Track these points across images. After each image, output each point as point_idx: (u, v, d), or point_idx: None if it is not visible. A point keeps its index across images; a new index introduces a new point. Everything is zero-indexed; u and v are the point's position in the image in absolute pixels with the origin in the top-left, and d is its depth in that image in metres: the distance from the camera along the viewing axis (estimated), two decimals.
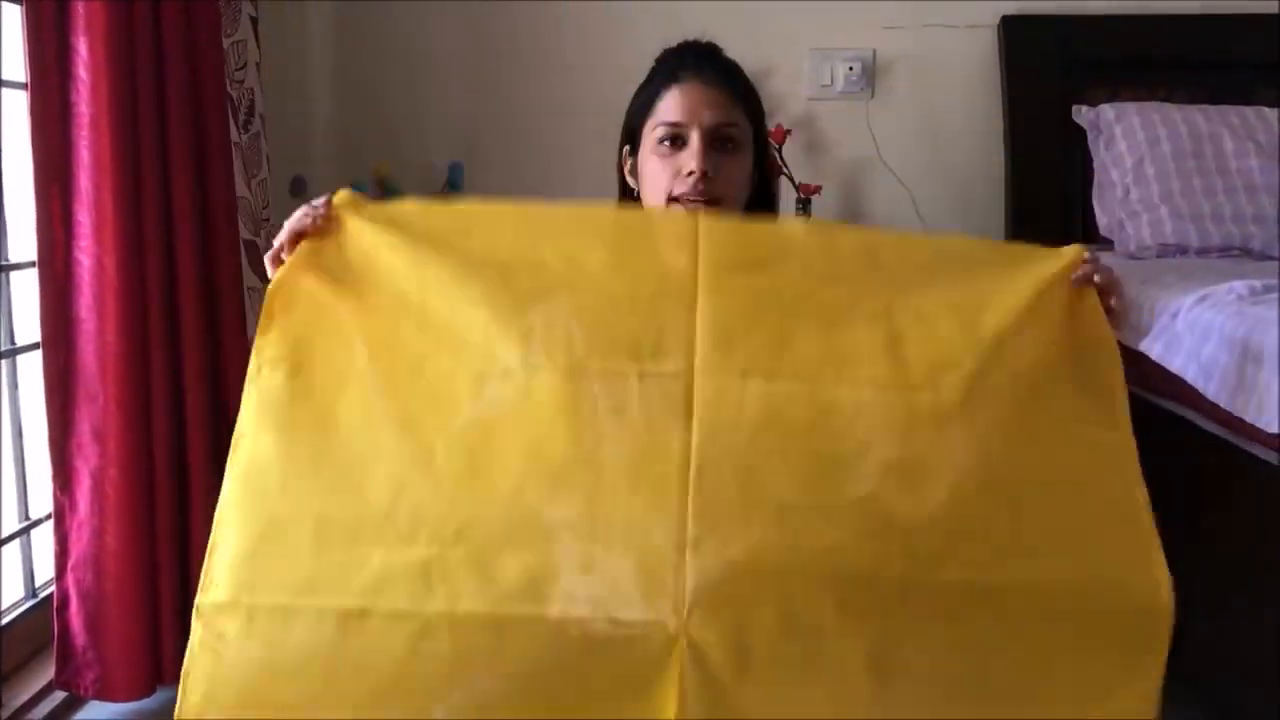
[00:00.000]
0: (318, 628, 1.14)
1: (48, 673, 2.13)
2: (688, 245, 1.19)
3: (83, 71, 1.98)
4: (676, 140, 1.43)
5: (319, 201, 1.29)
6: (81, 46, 1.98)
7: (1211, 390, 1.83)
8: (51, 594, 2.11)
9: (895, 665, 1.09)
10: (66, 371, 2.04)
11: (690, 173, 1.41)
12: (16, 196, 2.13)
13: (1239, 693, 1.84)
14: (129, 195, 2.04)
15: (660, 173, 1.44)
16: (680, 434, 1.12)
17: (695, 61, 1.47)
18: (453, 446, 1.16)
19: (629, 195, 1.53)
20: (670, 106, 1.45)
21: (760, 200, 1.51)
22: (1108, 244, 2.77)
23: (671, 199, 1.43)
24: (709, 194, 1.42)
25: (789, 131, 2.92)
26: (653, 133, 1.46)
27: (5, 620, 2.17)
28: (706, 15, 3.13)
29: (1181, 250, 2.61)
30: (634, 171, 1.51)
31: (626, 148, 1.54)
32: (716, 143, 1.43)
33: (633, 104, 1.53)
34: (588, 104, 3.05)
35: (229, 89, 2.30)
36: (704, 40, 1.55)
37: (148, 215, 2.09)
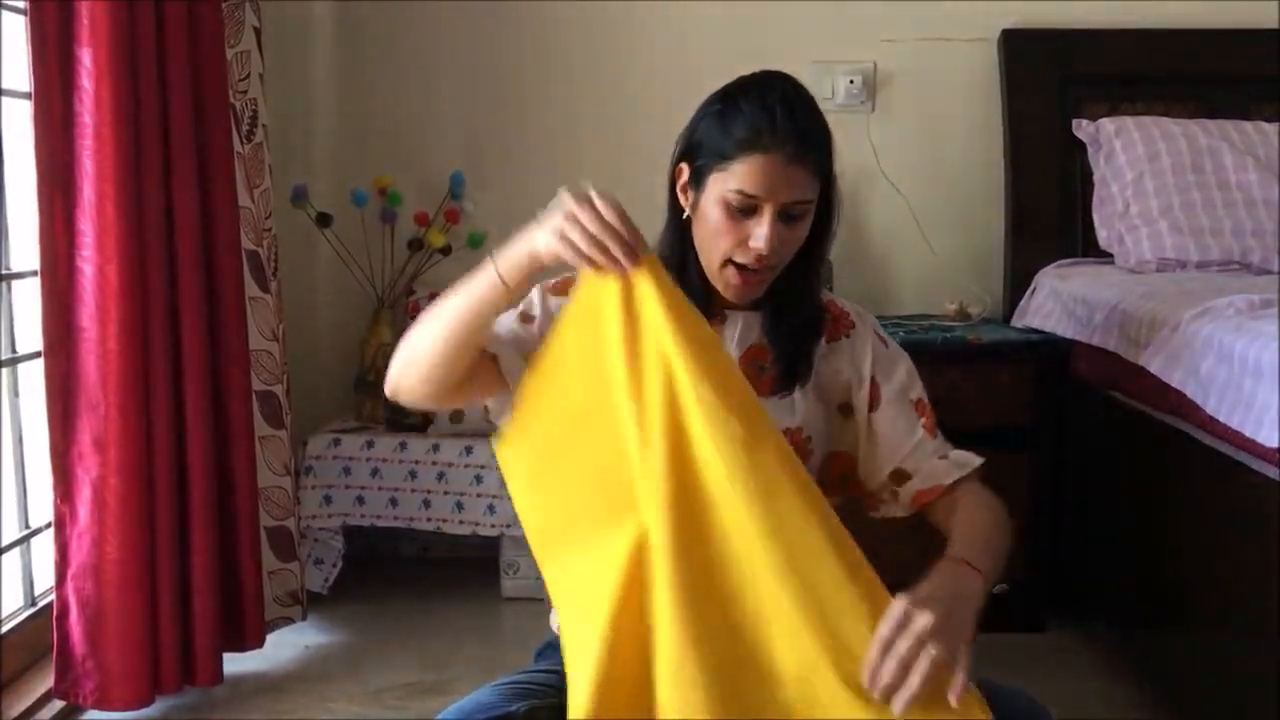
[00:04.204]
0: None
1: (46, 682, 2.13)
2: None
3: (86, 81, 1.99)
4: (748, 209, 1.40)
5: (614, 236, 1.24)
6: (85, 56, 1.99)
7: (1210, 404, 1.84)
8: (51, 603, 2.11)
9: None
10: (68, 380, 2.04)
11: (757, 249, 1.39)
12: (19, 205, 2.13)
13: (1238, 709, 1.84)
14: (131, 204, 2.04)
15: (722, 234, 1.41)
16: None
17: (782, 130, 1.39)
18: None
19: (678, 214, 1.49)
20: (749, 177, 1.39)
21: (814, 237, 1.48)
22: (1107, 257, 2.78)
23: (727, 262, 1.42)
24: (766, 264, 1.42)
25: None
26: (724, 189, 1.40)
27: (4, 629, 2.17)
28: (710, 28, 3.15)
29: (1181, 264, 2.62)
30: (686, 193, 1.47)
31: (684, 166, 1.47)
32: (785, 217, 1.41)
33: (705, 130, 1.45)
34: (589, 115, 3.06)
35: (232, 99, 2.31)
36: (792, 90, 1.43)
37: (150, 224, 2.10)
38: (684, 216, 1.48)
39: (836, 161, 1.48)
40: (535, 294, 1.48)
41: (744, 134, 1.40)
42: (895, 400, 1.50)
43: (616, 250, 1.24)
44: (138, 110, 2.06)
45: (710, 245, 1.44)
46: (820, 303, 1.53)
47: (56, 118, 1.99)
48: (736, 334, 1.49)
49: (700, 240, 1.46)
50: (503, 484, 2.75)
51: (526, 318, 1.47)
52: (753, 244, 1.40)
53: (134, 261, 2.05)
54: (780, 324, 1.49)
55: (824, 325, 1.52)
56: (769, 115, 1.40)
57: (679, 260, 1.47)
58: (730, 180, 1.40)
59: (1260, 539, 1.75)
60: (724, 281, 1.44)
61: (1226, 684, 1.88)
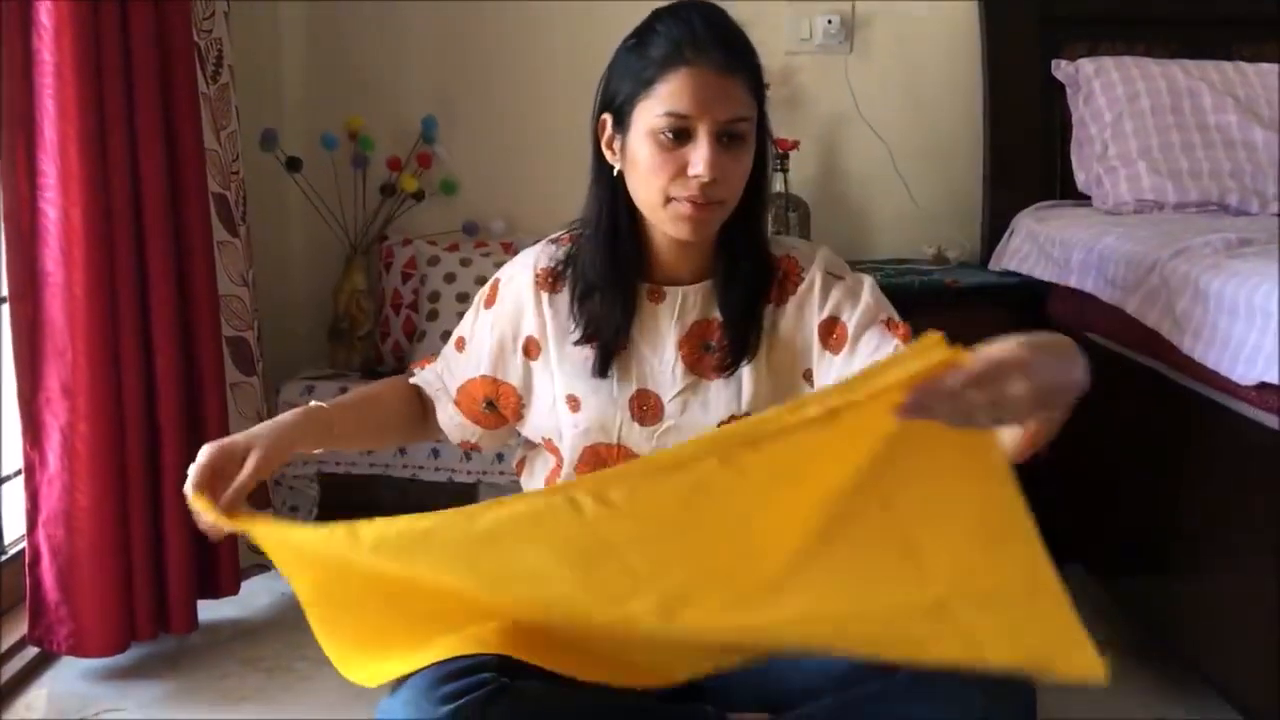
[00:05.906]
0: None
1: (20, 629, 2.12)
2: None
3: (45, 18, 1.94)
4: (680, 134, 1.27)
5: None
6: None
7: (1186, 344, 1.83)
8: (23, 550, 2.09)
9: None
10: (34, 325, 2.01)
11: (697, 175, 1.26)
12: None
13: (1218, 644, 1.86)
14: (94, 146, 2.00)
15: (659, 167, 1.27)
16: None
17: (704, 40, 1.27)
18: None
19: (606, 172, 1.36)
20: (677, 95, 1.26)
21: (753, 184, 1.36)
22: (1086, 200, 2.77)
23: (669, 199, 1.29)
24: (712, 198, 1.28)
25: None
26: (651, 117, 1.27)
27: None
28: None
29: (1159, 206, 2.60)
30: (613, 146, 1.34)
31: (607, 117, 1.35)
32: (724, 139, 1.28)
33: (620, 68, 1.33)
34: (563, 58, 3.01)
35: (196, 39, 2.26)
36: (709, 6, 1.33)
37: (114, 167, 2.06)
38: (615, 173, 1.35)
39: (769, 82, 1.38)
40: (469, 318, 1.49)
41: (664, 51, 1.28)
42: (863, 328, 1.34)
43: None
44: (99, 49, 2.01)
45: (646, 186, 1.31)
46: (769, 256, 1.40)
47: (15, 56, 1.95)
48: (676, 310, 1.38)
49: (635, 187, 1.33)
50: None
51: (461, 344, 1.50)
52: (692, 171, 1.27)
53: (98, 204, 2.01)
54: (730, 284, 1.37)
55: (772, 287, 1.39)
56: (688, 27, 1.29)
57: (609, 226, 1.36)
58: (656, 105, 1.27)
59: (1238, 477, 1.76)
60: (674, 219, 1.31)
61: (1208, 623, 1.90)
